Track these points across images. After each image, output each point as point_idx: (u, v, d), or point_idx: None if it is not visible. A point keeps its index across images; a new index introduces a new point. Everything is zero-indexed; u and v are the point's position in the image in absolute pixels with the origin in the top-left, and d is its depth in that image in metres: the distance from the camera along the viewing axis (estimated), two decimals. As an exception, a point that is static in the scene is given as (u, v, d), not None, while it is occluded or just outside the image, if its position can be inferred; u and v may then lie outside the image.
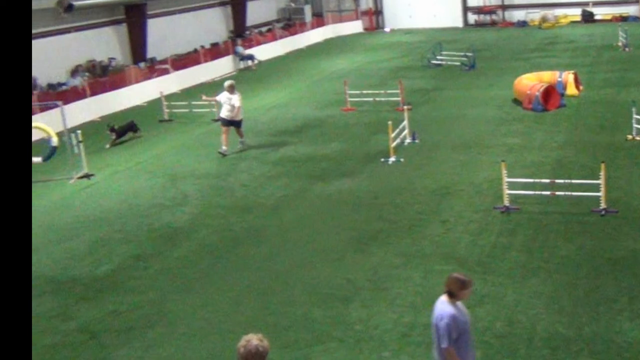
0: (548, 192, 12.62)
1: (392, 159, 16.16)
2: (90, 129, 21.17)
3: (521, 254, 10.90)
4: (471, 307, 9.20)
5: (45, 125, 17.97)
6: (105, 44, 29.07)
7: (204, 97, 19.49)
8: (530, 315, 9.09)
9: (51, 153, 17.31)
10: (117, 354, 9.06)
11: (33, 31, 25.16)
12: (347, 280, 10.49)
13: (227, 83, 18.17)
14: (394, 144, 16.59)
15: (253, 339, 5.39)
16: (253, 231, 12.78)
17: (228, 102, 17.85)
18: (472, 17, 42.76)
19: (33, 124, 17.99)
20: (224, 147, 17.85)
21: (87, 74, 26.88)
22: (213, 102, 19.40)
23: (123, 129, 20.40)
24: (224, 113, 18.03)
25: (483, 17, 42.28)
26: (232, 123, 18.03)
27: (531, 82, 20.85)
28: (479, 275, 10.15)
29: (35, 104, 21.64)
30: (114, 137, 19.92)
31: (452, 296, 6.53)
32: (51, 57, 25.80)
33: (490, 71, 26.86)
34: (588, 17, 39.14)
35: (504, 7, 41.98)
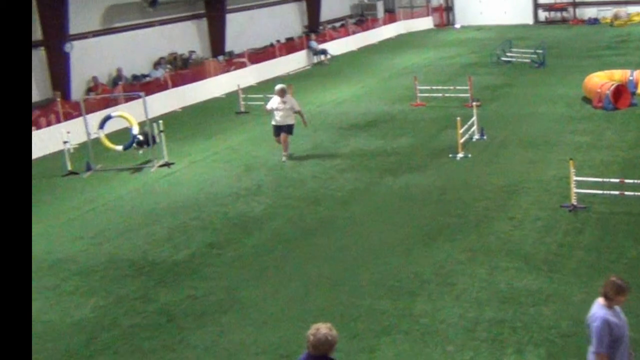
0: (617, 192, 12.47)
1: (460, 154, 16.24)
2: (171, 119, 21.84)
3: (588, 253, 10.82)
4: (537, 305, 9.37)
5: (129, 114, 18.55)
6: (186, 37, 29.90)
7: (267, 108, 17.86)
8: (597, 316, 9.08)
9: (132, 142, 17.92)
10: (193, 337, 9.36)
11: (120, 24, 26.33)
12: (414, 273, 10.63)
13: (277, 87, 17.25)
14: (463, 139, 16.65)
15: (322, 328, 5.52)
16: (324, 222, 13.06)
17: (282, 107, 16.89)
18: (542, 14, 42.14)
19: (118, 113, 18.81)
20: (284, 155, 17.15)
21: (168, 66, 27.73)
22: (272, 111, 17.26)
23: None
24: (275, 119, 17.10)
25: (554, 14, 41.59)
26: (281, 129, 17.02)
27: (601, 80, 20.50)
28: (544, 274, 10.21)
29: (120, 94, 22.66)
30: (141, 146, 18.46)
31: (609, 300, 6.36)
32: (136, 49, 26.80)
33: (560, 69, 26.51)
34: (662, 15, 38.11)
35: (575, 5, 41.20)
